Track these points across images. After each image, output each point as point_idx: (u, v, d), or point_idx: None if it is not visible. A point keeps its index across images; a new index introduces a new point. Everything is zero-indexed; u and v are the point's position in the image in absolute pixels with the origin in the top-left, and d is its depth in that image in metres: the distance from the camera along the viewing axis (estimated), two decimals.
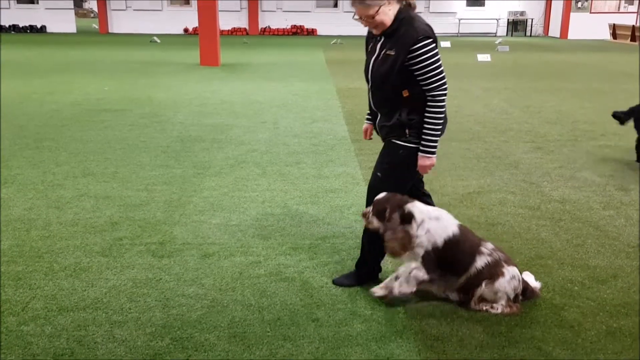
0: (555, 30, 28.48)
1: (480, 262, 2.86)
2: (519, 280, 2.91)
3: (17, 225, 4.00)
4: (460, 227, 2.91)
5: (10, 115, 7.79)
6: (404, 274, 2.86)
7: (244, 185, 4.91)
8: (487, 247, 2.92)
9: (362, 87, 10.68)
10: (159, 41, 21.98)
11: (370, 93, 3.11)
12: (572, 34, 27.29)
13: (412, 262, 2.85)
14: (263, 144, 6.29)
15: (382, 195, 2.91)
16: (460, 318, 2.84)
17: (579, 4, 27.51)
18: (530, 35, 29.03)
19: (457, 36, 27.72)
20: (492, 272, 2.86)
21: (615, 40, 25.39)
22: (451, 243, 2.82)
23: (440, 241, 2.81)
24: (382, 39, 2.94)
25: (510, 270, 2.89)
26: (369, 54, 3.05)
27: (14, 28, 27.46)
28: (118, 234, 3.87)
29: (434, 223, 2.82)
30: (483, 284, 2.86)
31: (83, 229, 3.95)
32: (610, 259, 3.54)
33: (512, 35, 28.74)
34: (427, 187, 4.89)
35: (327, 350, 2.58)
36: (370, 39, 3.06)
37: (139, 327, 2.74)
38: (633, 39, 23.93)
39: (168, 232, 3.91)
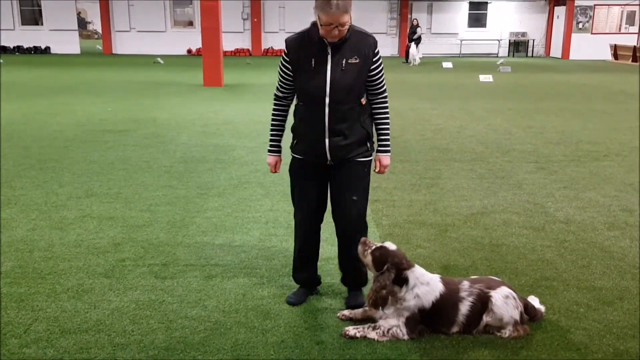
0: (556, 50, 28.68)
1: (464, 308, 2.85)
2: (515, 297, 2.89)
3: (20, 246, 3.99)
4: (443, 281, 2.91)
5: (14, 136, 7.84)
6: (383, 328, 2.84)
7: (247, 206, 4.91)
8: (465, 287, 2.90)
9: None
10: (162, 62, 22.18)
11: (323, 111, 2.87)
12: (574, 55, 27.47)
13: (393, 319, 2.84)
14: (266, 164, 6.30)
15: (392, 247, 2.89)
16: (465, 341, 2.81)
17: (580, 25, 27.75)
18: (532, 56, 29.24)
19: (459, 57, 27.92)
20: (483, 307, 2.85)
21: (616, 61, 25.53)
22: (437, 303, 2.84)
23: (428, 304, 2.83)
24: (331, 50, 2.81)
25: (499, 293, 2.87)
26: (316, 68, 2.83)
27: (19, 49, 27.74)
28: (121, 255, 3.85)
29: (424, 288, 2.84)
30: (484, 316, 2.85)
31: (86, 250, 3.94)
32: (616, 281, 3.51)
33: (513, 56, 28.94)
34: (431, 207, 4.90)
35: None
36: (305, 55, 2.83)
37: (142, 350, 2.72)
38: (634, 59, 24.07)
39: (171, 253, 3.89)
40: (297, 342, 2.80)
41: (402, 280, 2.83)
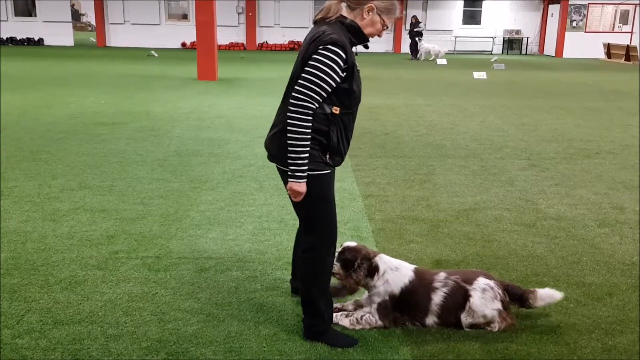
0: (550, 48, 28.79)
1: (437, 298, 2.87)
2: (493, 286, 2.88)
3: (13, 237, 3.98)
4: (416, 270, 2.94)
5: (7, 128, 7.79)
6: (355, 315, 2.91)
7: (240, 200, 4.92)
8: (440, 278, 2.92)
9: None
10: (156, 55, 22.08)
11: (353, 117, 2.70)
12: (567, 53, 27.60)
13: (366, 306, 2.92)
14: (260, 158, 6.30)
15: (354, 244, 2.95)
16: (456, 334, 2.84)
17: (574, 23, 27.86)
18: (526, 54, 29.34)
19: (454, 54, 27.97)
20: (458, 300, 2.87)
21: (609, 60, 25.67)
22: (407, 289, 2.87)
23: (397, 290, 2.86)
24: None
25: (477, 285, 2.88)
26: (358, 72, 2.66)
27: (12, 40, 27.52)
28: (114, 247, 3.86)
29: (393, 274, 2.88)
30: (462, 317, 2.86)
31: (79, 242, 3.94)
32: (606, 277, 3.55)
33: (507, 54, 29.04)
34: (423, 203, 4.94)
35: None
36: (353, 58, 2.58)
37: (135, 342, 2.73)
38: (627, 58, 24.21)
39: (164, 246, 3.90)
40: (289, 334, 2.81)
41: (373, 270, 2.88)
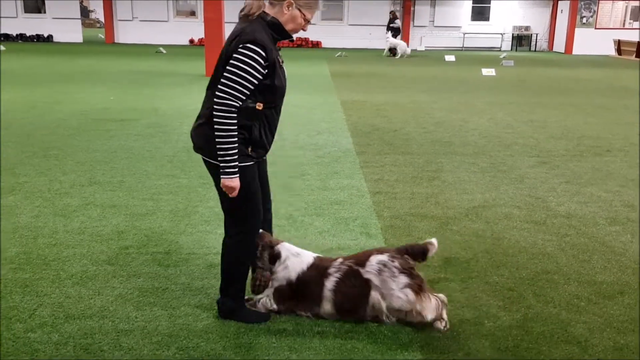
0: (560, 45, 28.58)
1: (330, 284, 2.83)
2: (386, 263, 2.75)
3: (24, 232, 4.01)
4: (317, 258, 2.95)
5: (17, 124, 7.84)
6: (254, 299, 3.00)
7: None
8: (335, 264, 2.88)
9: (366, 99, 10.74)
10: (164, 52, 22.12)
11: (280, 109, 2.79)
12: (577, 49, 27.38)
13: (267, 290, 2.95)
14: (268, 155, 6.30)
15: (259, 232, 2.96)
16: (466, 332, 2.84)
17: (584, 20, 27.65)
18: (535, 50, 29.15)
19: (462, 50, 27.85)
20: (352, 285, 2.79)
21: (620, 56, 25.46)
22: (304, 275, 2.88)
23: (294, 275, 2.88)
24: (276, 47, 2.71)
25: (371, 266, 2.77)
26: (282, 64, 2.74)
27: (21, 37, 27.67)
28: (124, 242, 3.88)
29: (293, 259, 2.91)
30: (367, 311, 2.80)
31: (89, 237, 3.96)
32: (617, 275, 3.53)
33: (516, 50, 28.85)
34: (432, 200, 4.93)
35: None
36: (275, 54, 2.64)
37: (145, 336, 2.74)
38: (638, 55, 23.99)
39: (174, 241, 3.92)
40: (298, 330, 2.82)
41: (275, 257, 2.91)
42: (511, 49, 29.00)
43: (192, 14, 28.76)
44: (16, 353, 2.59)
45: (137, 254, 3.69)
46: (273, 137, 2.83)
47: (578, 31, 27.50)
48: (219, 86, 2.57)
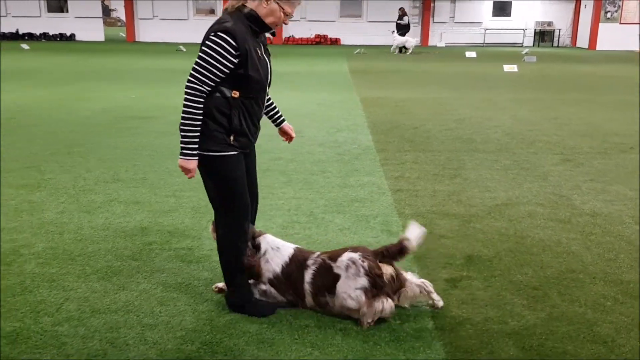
0: (583, 40, 28.13)
1: (308, 276, 2.89)
2: (358, 261, 2.78)
3: (50, 228, 4.08)
4: (296, 249, 2.99)
5: (41, 122, 7.98)
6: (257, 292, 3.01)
7: (269, 193, 4.94)
8: (313, 256, 2.94)
9: (386, 96, 10.69)
10: (184, 50, 22.30)
11: (264, 100, 2.98)
12: (601, 45, 26.91)
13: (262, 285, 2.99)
14: (287, 152, 6.32)
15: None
16: (489, 331, 2.81)
17: (608, 15, 27.14)
18: (558, 46, 28.73)
19: (483, 46, 27.57)
20: (325, 278, 2.84)
21: None
22: (286, 268, 2.93)
23: (278, 268, 2.93)
24: (259, 40, 2.84)
25: (341, 262, 2.81)
26: (262, 56, 2.81)
27: (45, 36, 28.15)
28: (148, 238, 3.92)
29: (274, 252, 2.95)
30: (342, 299, 2.80)
31: (114, 233, 4.01)
32: None
33: (539, 46, 28.47)
34: (454, 198, 4.89)
35: (355, 359, 2.58)
36: (250, 45, 2.71)
37: (170, 331, 2.77)
38: None
39: (196, 237, 3.95)
40: (320, 327, 2.82)
41: (255, 249, 2.95)
42: (533, 45, 28.62)
43: (212, 12, 28.93)
44: (44, 346, 2.63)
45: (161, 250, 3.73)
46: (256, 127, 2.92)
47: (602, 26, 27.01)
48: (190, 71, 2.68)
